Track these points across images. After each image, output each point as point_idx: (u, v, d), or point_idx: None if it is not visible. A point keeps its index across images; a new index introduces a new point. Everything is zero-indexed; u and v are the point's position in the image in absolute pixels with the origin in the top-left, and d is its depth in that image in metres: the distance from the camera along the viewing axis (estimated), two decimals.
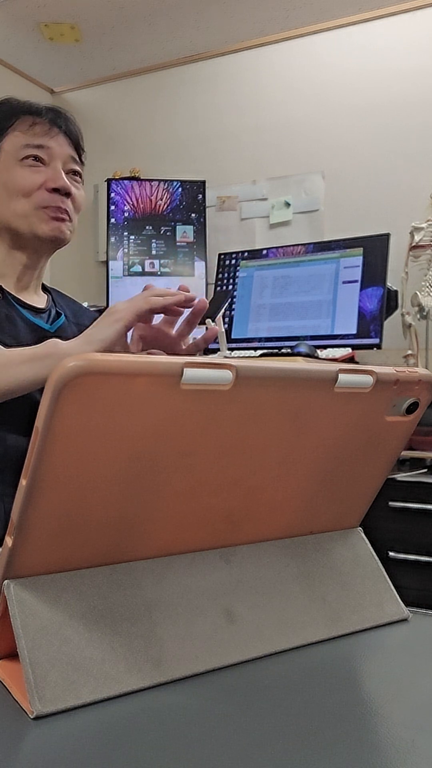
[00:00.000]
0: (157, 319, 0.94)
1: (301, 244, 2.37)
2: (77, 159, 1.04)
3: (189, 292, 0.87)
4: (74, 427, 0.39)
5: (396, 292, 2.19)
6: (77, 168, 1.04)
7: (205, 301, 0.88)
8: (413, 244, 2.24)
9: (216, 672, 0.45)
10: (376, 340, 2.11)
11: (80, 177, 1.05)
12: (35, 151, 0.99)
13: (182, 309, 0.86)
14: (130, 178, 2.83)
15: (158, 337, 0.96)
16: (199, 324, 1.92)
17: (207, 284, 2.68)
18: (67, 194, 1.00)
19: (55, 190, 0.99)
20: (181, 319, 0.96)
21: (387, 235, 2.19)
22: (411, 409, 0.52)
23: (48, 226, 0.99)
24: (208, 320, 1.99)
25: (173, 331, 0.97)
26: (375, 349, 2.11)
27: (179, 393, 0.41)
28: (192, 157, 2.84)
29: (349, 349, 2.11)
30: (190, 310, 0.90)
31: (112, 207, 2.70)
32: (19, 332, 0.97)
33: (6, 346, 0.93)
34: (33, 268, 1.04)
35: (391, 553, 1.80)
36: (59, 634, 0.42)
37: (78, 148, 1.05)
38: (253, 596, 0.51)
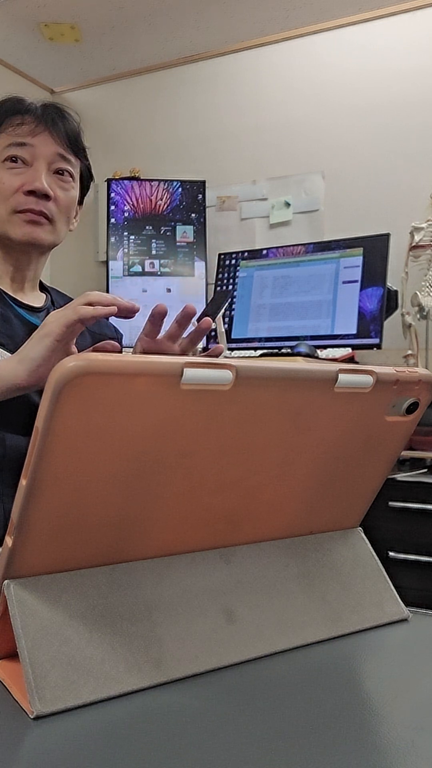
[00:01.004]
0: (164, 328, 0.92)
1: (301, 244, 2.37)
2: (67, 156, 1.00)
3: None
4: (74, 427, 0.39)
5: (396, 292, 2.19)
6: (66, 166, 1.00)
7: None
8: (413, 244, 2.24)
9: (216, 672, 0.45)
10: (376, 340, 2.11)
11: (71, 175, 1.02)
12: (17, 150, 0.96)
13: (124, 316, 0.80)
14: (130, 178, 2.83)
15: (162, 352, 0.94)
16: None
17: (207, 284, 2.68)
18: (47, 196, 0.97)
19: (31, 193, 0.96)
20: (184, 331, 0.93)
21: (387, 235, 2.19)
22: (411, 409, 0.52)
23: (21, 230, 0.97)
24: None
25: (176, 346, 0.95)
26: (375, 349, 2.11)
27: (179, 393, 0.41)
28: (192, 157, 2.84)
29: (349, 349, 2.12)
30: (194, 324, 0.88)
31: (112, 207, 2.70)
32: (15, 331, 0.97)
33: (2, 345, 0.93)
34: (24, 269, 1.04)
35: (391, 553, 1.80)
36: (59, 634, 0.42)
37: (71, 144, 1.01)
38: (253, 596, 0.51)
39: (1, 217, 0.97)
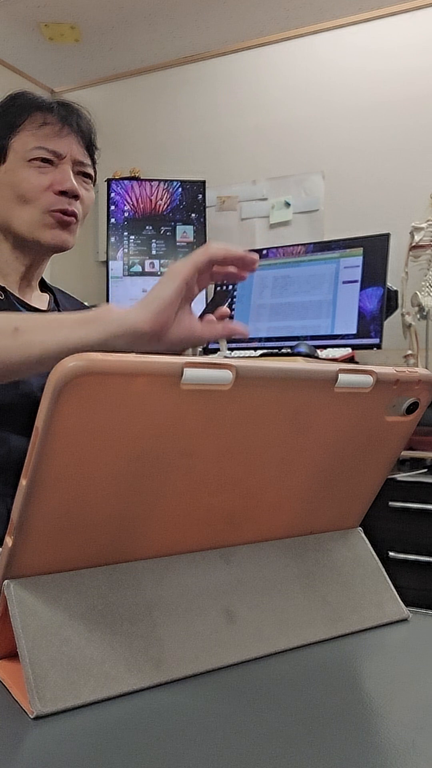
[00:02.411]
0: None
1: (301, 244, 2.37)
2: (88, 161, 1.01)
3: (257, 258, 0.79)
4: (74, 427, 0.39)
5: (396, 292, 2.19)
6: (87, 170, 1.01)
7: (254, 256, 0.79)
8: (413, 244, 2.24)
9: (216, 672, 0.45)
10: (376, 340, 2.11)
11: (90, 179, 1.02)
12: (43, 153, 0.96)
13: (243, 269, 0.77)
14: (130, 178, 2.83)
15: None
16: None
17: None
18: (75, 197, 0.98)
19: (63, 193, 0.96)
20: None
21: (387, 235, 2.19)
22: (411, 409, 0.52)
23: (51, 234, 0.97)
24: None
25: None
26: (375, 349, 2.11)
27: (179, 393, 0.41)
28: (192, 157, 2.84)
29: (349, 349, 2.11)
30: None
31: (112, 207, 2.70)
32: None
33: None
34: (35, 269, 1.04)
35: (391, 553, 1.80)
36: (59, 634, 0.42)
37: (90, 146, 1.02)
38: (253, 596, 0.51)
39: (31, 218, 0.96)
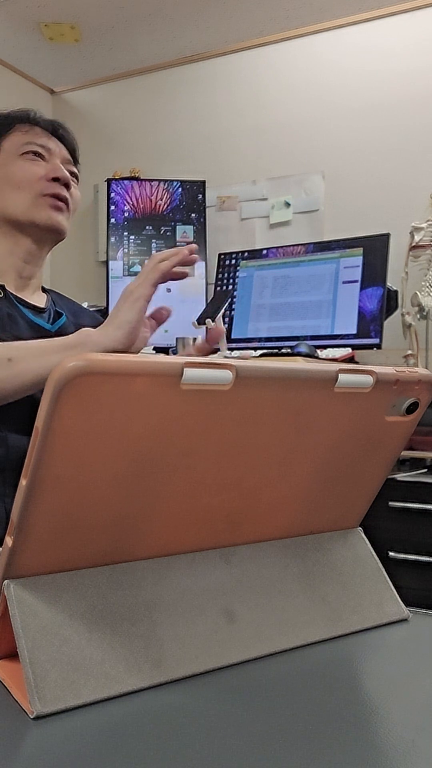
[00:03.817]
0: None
1: (301, 244, 2.37)
2: (73, 163, 1.08)
3: (195, 247, 0.92)
4: (74, 427, 0.39)
5: (396, 292, 2.19)
6: (74, 169, 1.07)
7: (194, 246, 0.93)
8: (413, 244, 2.24)
9: (216, 672, 0.45)
10: (376, 340, 2.11)
11: (76, 179, 1.08)
12: (36, 147, 1.02)
13: (188, 266, 0.91)
14: (130, 178, 2.83)
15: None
16: (199, 324, 1.92)
17: (207, 284, 2.68)
18: (67, 186, 1.03)
19: (56, 180, 1.01)
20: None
21: (387, 235, 2.19)
22: (411, 409, 0.52)
23: (46, 214, 1.01)
24: (208, 320, 1.99)
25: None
26: (375, 349, 2.11)
27: (179, 393, 0.41)
28: (192, 157, 2.84)
29: (349, 349, 2.11)
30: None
31: (112, 207, 2.70)
32: (20, 331, 0.97)
33: None
34: (33, 263, 1.05)
35: (391, 553, 1.80)
36: (59, 634, 0.42)
37: (73, 153, 1.09)
38: (253, 596, 0.51)
39: (24, 203, 1.01)
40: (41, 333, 1.00)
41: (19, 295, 1.02)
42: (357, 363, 2.14)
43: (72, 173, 1.06)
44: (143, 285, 0.86)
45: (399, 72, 2.48)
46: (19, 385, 0.80)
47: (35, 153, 1.02)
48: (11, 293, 1.00)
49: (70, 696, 0.40)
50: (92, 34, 2.66)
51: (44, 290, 1.12)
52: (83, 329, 0.85)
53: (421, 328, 2.25)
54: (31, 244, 1.03)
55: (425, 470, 1.97)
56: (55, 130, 1.06)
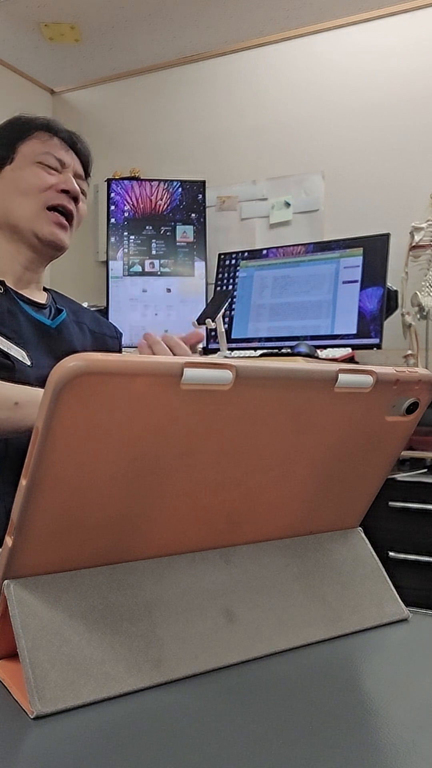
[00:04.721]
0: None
1: (301, 244, 2.37)
2: (84, 178, 1.09)
3: (201, 337, 0.96)
4: (74, 427, 0.39)
5: (396, 292, 2.19)
6: (84, 186, 1.09)
7: (200, 334, 0.98)
8: (413, 244, 2.24)
9: (216, 672, 0.45)
10: (376, 340, 2.11)
11: (85, 196, 1.09)
12: (50, 158, 1.03)
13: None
14: (130, 178, 2.82)
15: None
16: (199, 324, 1.92)
17: (207, 284, 2.68)
18: (75, 199, 1.04)
19: (65, 192, 1.02)
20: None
21: (387, 235, 2.19)
22: (411, 409, 0.52)
23: (48, 229, 1.02)
24: (208, 320, 1.99)
25: None
26: (375, 349, 2.11)
27: (179, 393, 0.41)
28: (192, 157, 2.84)
29: (349, 349, 2.11)
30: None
31: (112, 207, 2.70)
32: (20, 327, 0.97)
33: (7, 338, 0.94)
34: (32, 270, 1.06)
35: (391, 553, 1.80)
36: (59, 634, 0.42)
37: (87, 168, 1.10)
38: (253, 596, 0.50)
39: (29, 211, 1.01)
40: (41, 328, 1.01)
41: (19, 291, 1.02)
42: (357, 363, 2.14)
43: (81, 189, 1.07)
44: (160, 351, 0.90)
45: (399, 72, 2.48)
46: (18, 429, 0.83)
47: (50, 165, 1.03)
48: (11, 289, 1.01)
49: (70, 696, 0.40)
50: (92, 34, 2.66)
51: (44, 289, 1.12)
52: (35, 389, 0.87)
53: (421, 328, 2.25)
54: (31, 254, 1.04)
55: (425, 470, 1.97)
56: (74, 143, 1.07)
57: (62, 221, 1.03)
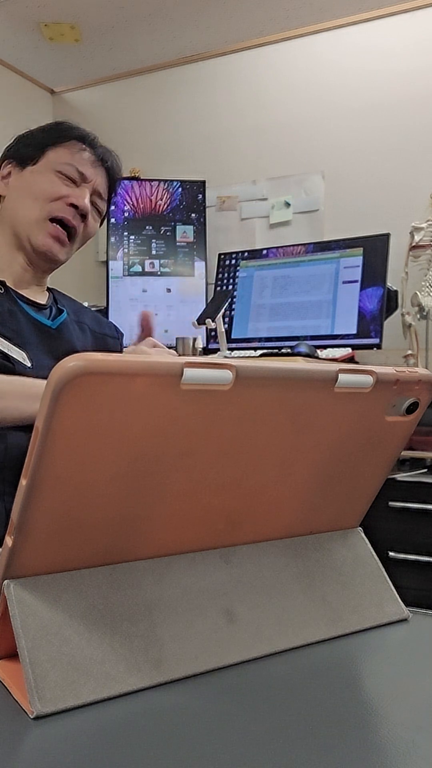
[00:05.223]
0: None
1: (301, 244, 2.37)
2: (105, 198, 1.08)
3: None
4: (74, 427, 0.39)
5: (396, 292, 2.19)
6: (101, 205, 1.07)
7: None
8: (413, 244, 2.24)
9: (216, 672, 0.45)
10: (376, 340, 2.11)
11: (100, 216, 1.08)
12: (72, 171, 1.02)
13: None
14: (130, 178, 2.83)
15: None
16: (199, 324, 1.93)
17: (207, 284, 2.68)
18: (83, 216, 1.03)
19: (74, 206, 1.01)
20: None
21: (387, 235, 2.19)
22: (411, 409, 0.52)
23: (43, 240, 1.01)
24: (208, 320, 1.99)
25: None
26: (375, 349, 2.11)
27: (179, 393, 0.41)
28: (192, 157, 2.84)
29: (349, 349, 2.11)
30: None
31: (112, 207, 2.70)
32: (21, 327, 0.97)
33: (7, 339, 0.94)
34: (31, 273, 1.05)
35: (391, 553, 1.80)
36: (59, 634, 0.42)
37: (112, 186, 1.09)
38: (253, 596, 0.50)
39: (31, 216, 1.00)
40: (42, 329, 1.00)
41: (20, 291, 1.02)
42: (357, 363, 2.14)
43: (98, 208, 1.06)
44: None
45: (399, 72, 2.48)
46: (1, 420, 0.82)
47: (70, 177, 1.02)
48: (12, 289, 1.01)
49: (70, 696, 0.40)
50: (92, 34, 2.66)
51: (47, 288, 1.12)
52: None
53: (421, 328, 2.25)
54: (25, 259, 1.04)
55: (425, 470, 1.96)
56: (105, 161, 1.06)
57: (60, 235, 1.01)
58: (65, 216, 1.01)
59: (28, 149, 1.04)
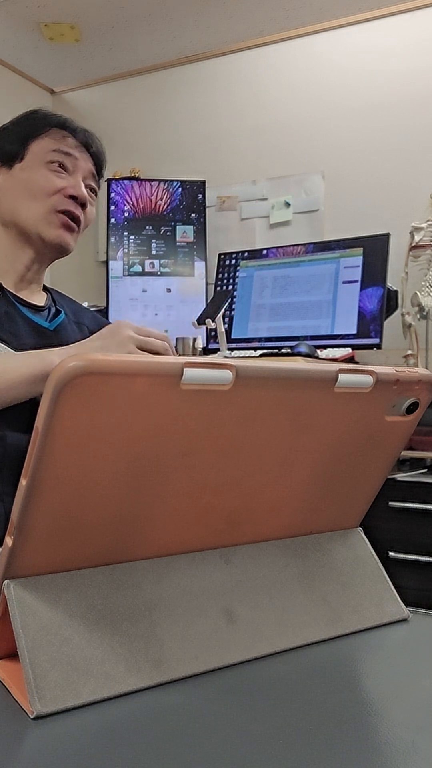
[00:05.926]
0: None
1: (301, 244, 2.37)
2: (97, 181, 1.08)
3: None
4: (74, 427, 0.39)
5: (396, 292, 2.19)
6: (95, 185, 1.07)
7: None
8: (413, 244, 2.24)
9: (216, 672, 0.45)
10: (376, 340, 2.11)
11: (95, 195, 1.08)
12: (62, 158, 1.02)
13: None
14: (130, 178, 2.82)
15: None
16: (199, 324, 1.92)
17: (207, 284, 2.68)
18: (83, 205, 1.03)
19: (73, 198, 1.01)
20: None
21: (387, 235, 2.19)
22: (411, 409, 0.52)
23: (55, 232, 1.01)
24: (208, 320, 1.99)
25: None
26: (375, 349, 2.11)
27: (179, 393, 0.41)
28: (192, 157, 2.84)
29: (349, 349, 2.11)
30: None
31: (112, 207, 2.70)
32: (19, 330, 0.97)
33: (4, 342, 0.94)
34: (35, 270, 1.05)
35: (391, 553, 1.80)
36: (59, 634, 0.42)
37: (100, 170, 1.08)
38: (253, 596, 0.50)
39: (37, 214, 1.00)
40: (39, 331, 1.00)
41: (17, 294, 1.02)
42: (357, 363, 2.14)
43: (92, 189, 1.06)
44: (137, 343, 0.87)
45: (399, 72, 2.48)
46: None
47: (60, 164, 1.01)
48: (9, 291, 1.00)
49: (70, 696, 0.40)
50: (92, 34, 2.66)
51: (46, 289, 1.12)
52: (54, 360, 0.86)
53: (421, 328, 2.25)
54: (34, 254, 1.04)
55: (425, 470, 1.97)
56: (88, 144, 1.05)
57: (70, 223, 1.02)
58: (68, 208, 1.01)
59: (9, 146, 1.03)
